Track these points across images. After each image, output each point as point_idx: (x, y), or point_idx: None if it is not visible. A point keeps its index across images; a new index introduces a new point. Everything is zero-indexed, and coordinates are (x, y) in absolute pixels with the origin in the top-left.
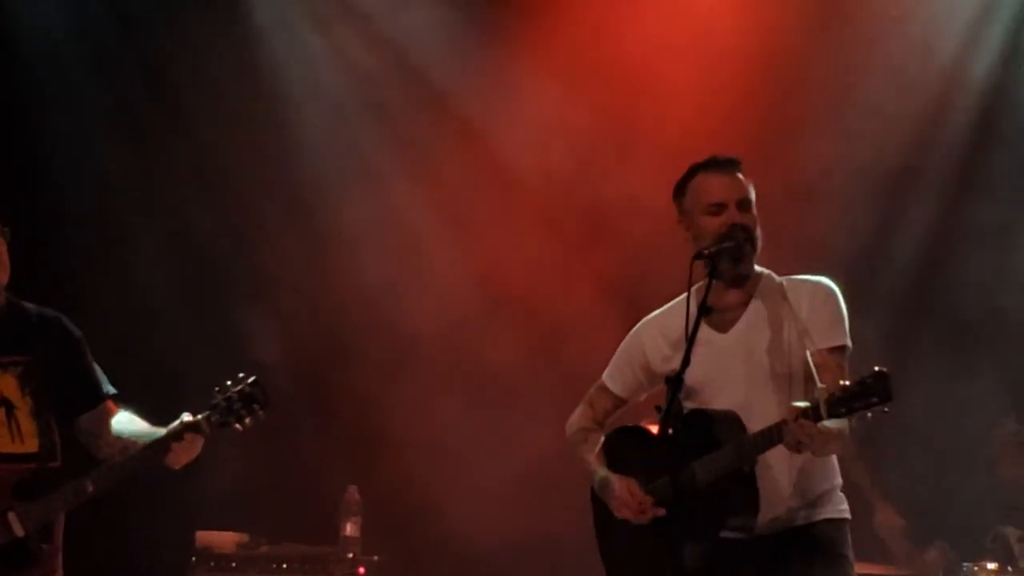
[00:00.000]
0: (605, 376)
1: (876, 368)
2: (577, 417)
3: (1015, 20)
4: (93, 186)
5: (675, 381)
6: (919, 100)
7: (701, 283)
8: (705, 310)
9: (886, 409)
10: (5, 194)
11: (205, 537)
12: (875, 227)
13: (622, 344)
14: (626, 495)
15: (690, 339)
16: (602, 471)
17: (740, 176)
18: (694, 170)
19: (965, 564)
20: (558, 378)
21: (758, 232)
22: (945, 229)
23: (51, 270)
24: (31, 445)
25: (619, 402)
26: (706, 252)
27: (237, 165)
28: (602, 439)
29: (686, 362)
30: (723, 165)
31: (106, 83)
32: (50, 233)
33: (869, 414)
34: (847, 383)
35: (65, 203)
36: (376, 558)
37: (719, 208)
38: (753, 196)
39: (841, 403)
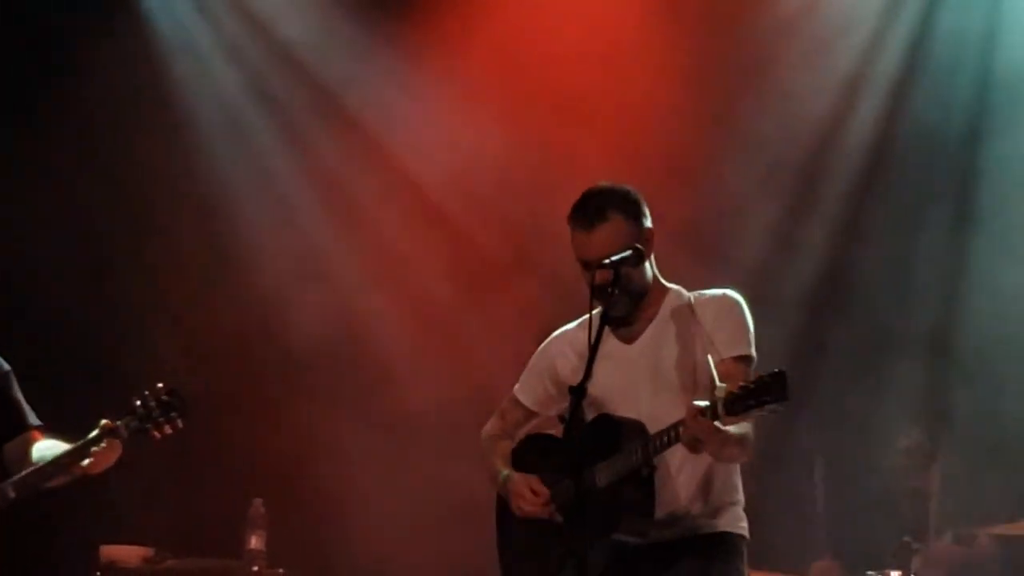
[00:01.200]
0: (516, 388)
1: (775, 368)
2: (489, 427)
3: (914, 27)
4: None
5: (578, 392)
6: (823, 105)
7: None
8: (608, 320)
9: (781, 408)
10: None
11: (109, 551)
12: (780, 239)
13: (533, 357)
14: (527, 491)
15: (592, 351)
16: (506, 470)
17: (600, 230)
18: (569, 218)
19: (869, 572)
20: (468, 391)
21: (633, 280)
22: (848, 241)
23: None
24: None
25: (530, 414)
26: (603, 264)
27: (137, 167)
28: (510, 445)
29: (588, 373)
30: (581, 222)
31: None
32: None
33: (765, 413)
34: (744, 383)
35: None
36: (281, 571)
37: (585, 267)
38: (619, 240)
39: (738, 400)
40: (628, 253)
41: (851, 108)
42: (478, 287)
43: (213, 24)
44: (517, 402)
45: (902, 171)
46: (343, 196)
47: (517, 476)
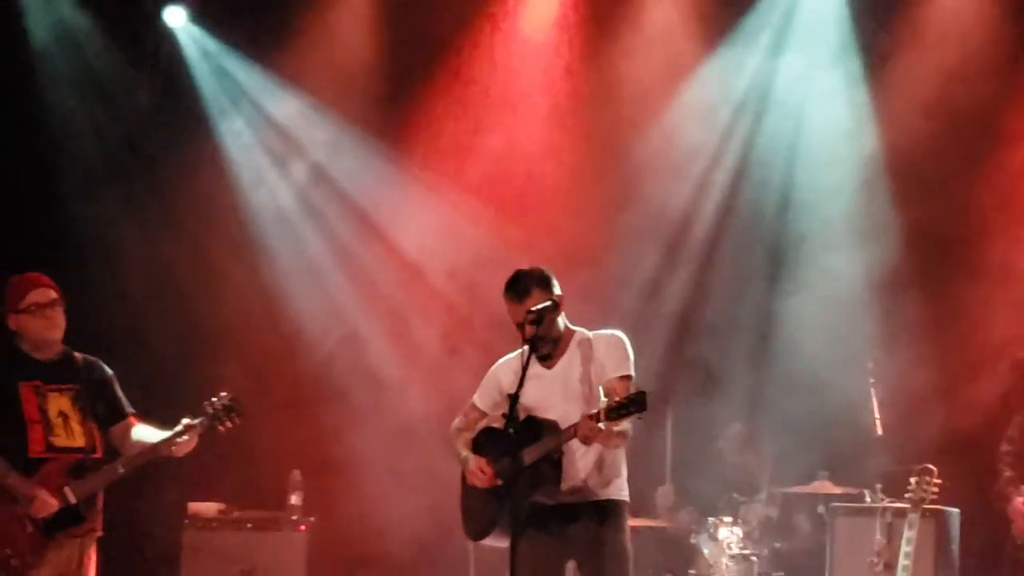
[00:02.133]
0: (475, 397)
1: (640, 389)
2: (456, 422)
3: (740, 151)
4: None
5: (513, 398)
6: (680, 202)
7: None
8: (531, 352)
9: (640, 417)
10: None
11: (194, 507)
12: (652, 291)
13: (485, 376)
14: (477, 469)
15: (523, 372)
16: (465, 452)
17: (523, 301)
18: (504, 291)
19: (710, 519)
20: (442, 405)
21: (550, 330)
22: (698, 288)
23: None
24: (80, 441)
25: (483, 415)
26: (531, 310)
27: (208, 234)
28: (470, 436)
29: (520, 385)
30: (513, 297)
31: (118, 177)
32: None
33: (637, 418)
34: (619, 398)
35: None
36: (312, 518)
37: (518, 326)
38: (537, 308)
39: (613, 411)
40: (545, 305)
41: (699, 204)
42: (454, 336)
43: (267, 148)
44: (475, 406)
45: (734, 243)
46: (360, 270)
47: (472, 458)
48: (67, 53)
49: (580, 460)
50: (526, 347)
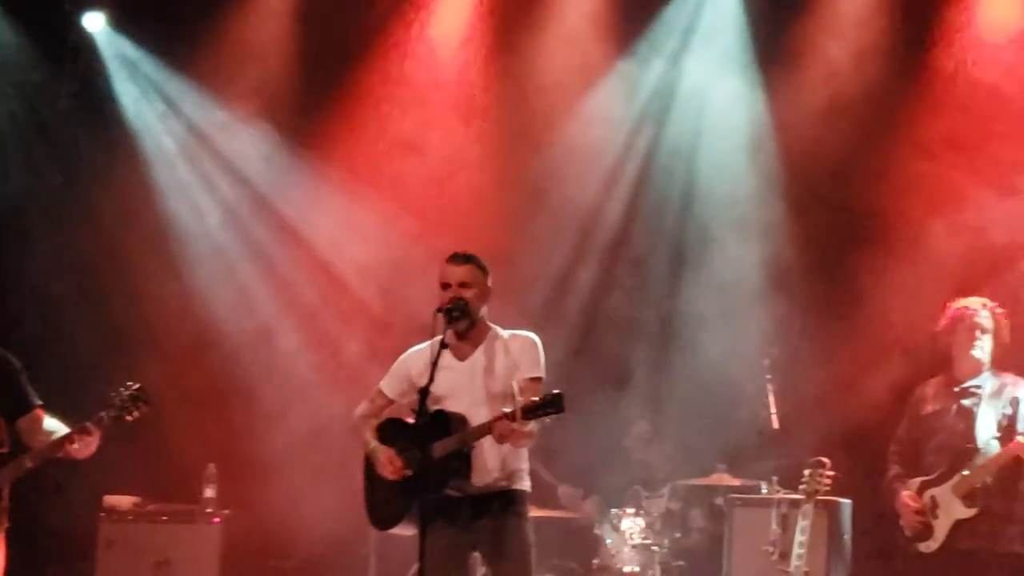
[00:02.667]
0: (383, 384)
1: (556, 390)
2: (361, 408)
3: (645, 150)
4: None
5: (423, 391)
6: (590, 198)
7: (449, 331)
8: (444, 345)
9: (558, 417)
10: None
11: (110, 499)
12: (558, 285)
13: (395, 364)
14: (387, 460)
15: (434, 363)
16: (373, 442)
17: (462, 267)
18: (443, 261)
19: (613, 510)
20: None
21: (475, 303)
22: (600, 290)
23: None
24: None
25: (390, 402)
26: (440, 308)
27: (127, 235)
28: (376, 423)
29: (430, 379)
30: (452, 259)
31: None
32: None
33: (548, 420)
34: (536, 398)
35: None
36: (226, 511)
37: (445, 287)
38: (471, 278)
39: (531, 411)
40: (480, 274)
41: (605, 205)
42: (367, 334)
43: (183, 149)
44: (382, 393)
45: (638, 242)
46: (275, 270)
47: (381, 449)
48: None
49: (489, 454)
50: (436, 341)
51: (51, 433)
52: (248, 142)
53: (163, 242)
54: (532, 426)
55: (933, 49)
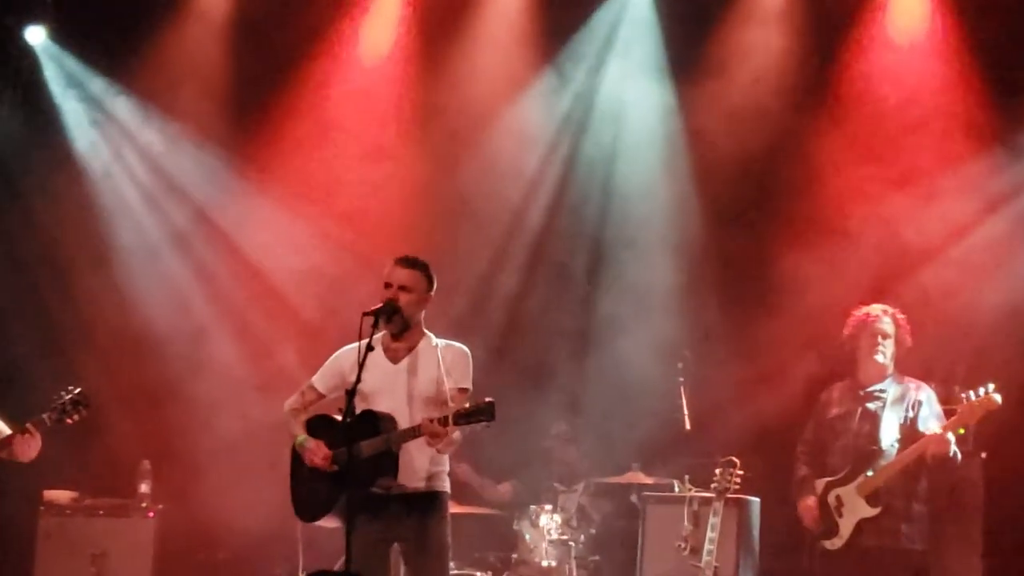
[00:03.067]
0: (315, 379)
1: (488, 399)
2: (291, 401)
3: (566, 156)
4: None
5: (351, 392)
6: (510, 207)
7: (384, 332)
8: (370, 348)
9: (489, 424)
10: None
11: (49, 494)
12: (484, 293)
13: (328, 361)
14: (316, 449)
15: (361, 364)
16: (302, 435)
17: (407, 270)
18: (395, 260)
19: (531, 506)
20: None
21: (410, 306)
22: (521, 295)
23: None
24: None
25: (320, 396)
26: (367, 312)
27: (64, 239)
28: (305, 417)
29: (357, 379)
30: (400, 262)
31: None
32: None
33: (480, 426)
34: (468, 404)
35: None
36: (160, 506)
37: (387, 287)
38: (413, 282)
39: (463, 416)
40: (424, 281)
41: (524, 215)
42: (304, 345)
43: (120, 157)
44: (313, 388)
45: (557, 248)
46: (208, 274)
47: (310, 441)
48: None
49: (415, 454)
50: (363, 343)
51: None
52: (185, 153)
53: (101, 250)
54: (457, 434)
55: (845, 56)
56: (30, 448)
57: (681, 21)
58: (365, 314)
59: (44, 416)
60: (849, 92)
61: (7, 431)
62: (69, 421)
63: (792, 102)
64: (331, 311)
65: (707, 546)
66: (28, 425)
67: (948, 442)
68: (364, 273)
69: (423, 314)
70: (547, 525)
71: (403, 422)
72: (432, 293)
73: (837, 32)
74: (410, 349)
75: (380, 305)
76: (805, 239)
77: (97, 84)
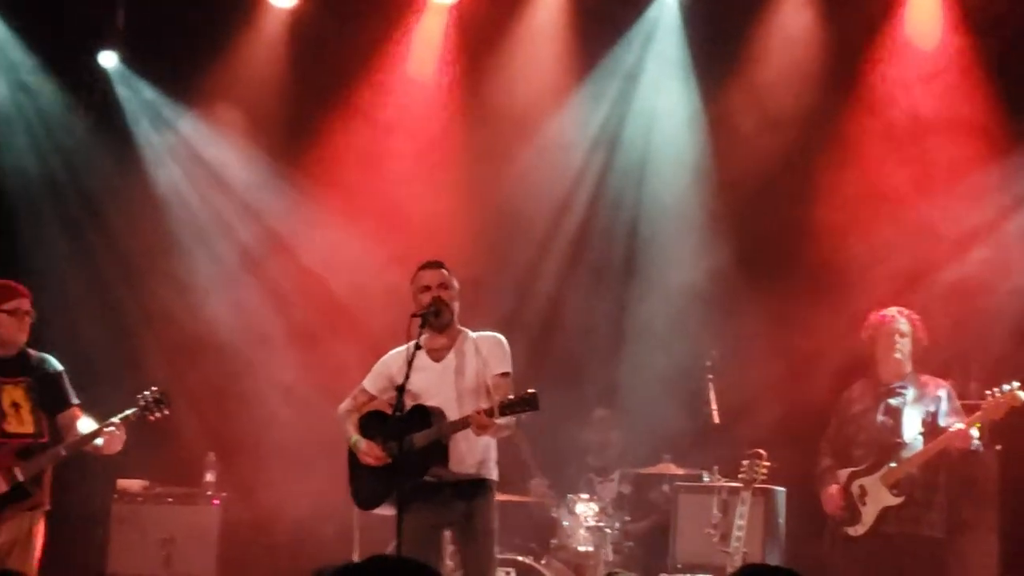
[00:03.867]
0: (365, 382)
1: (531, 390)
2: (345, 405)
3: (601, 163)
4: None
5: (401, 388)
6: (548, 214)
7: (427, 334)
8: (418, 347)
9: (532, 413)
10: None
11: (122, 483)
12: (515, 299)
13: (376, 365)
14: (369, 450)
15: (410, 363)
16: (355, 436)
17: (438, 271)
18: (418, 269)
19: (568, 495)
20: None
21: (452, 302)
22: (558, 299)
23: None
24: (29, 428)
25: (371, 398)
26: (417, 314)
27: (137, 249)
28: (358, 417)
29: (406, 378)
30: (430, 265)
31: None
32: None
33: (523, 416)
34: (513, 396)
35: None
36: (225, 493)
37: (426, 289)
38: (448, 281)
39: (508, 407)
40: (453, 278)
41: (562, 219)
42: (356, 345)
43: (188, 173)
44: (364, 390)
45: (593, 248)
46: (269, 280)
47: (363, 441)
48: (14, 92)
49: (464, 444)
50: (411, 344)
51: (83, 429)
52: (247, 166)
53: (169, 256)
54: (508, 420)
55: (871, 59)
56: (116, 443)
57: (710, 27)
58: (413, 316)
59: (129, 413)
60: (877, 94)
61: (94, 426)
62: (151, 418)
63: (814, 110)
64: (380, 314)
65: (735, 533)
66: (116, 420)
67: (971, 437)
68: (409, 278)
69: (456, 312)
70: (584, 512)
71: (452, 416)
72: (457, 288)
73: (861, 38)
74: (450, 347)
75: (427, 307)
76: (825, 244)
77: (166, 104)
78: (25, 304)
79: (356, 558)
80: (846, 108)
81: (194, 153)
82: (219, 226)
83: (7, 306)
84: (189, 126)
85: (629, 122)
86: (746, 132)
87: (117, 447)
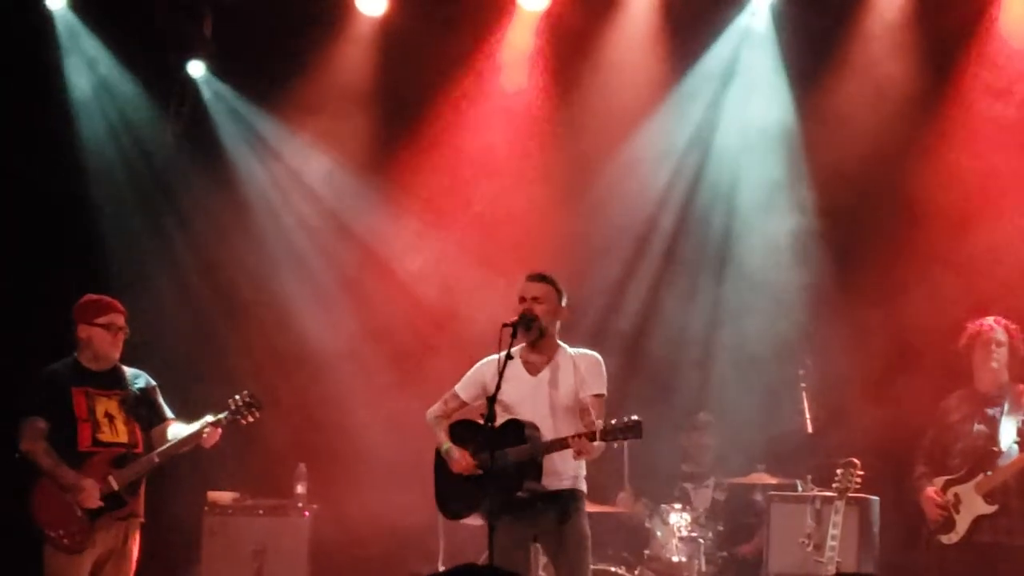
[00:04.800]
0: (457, 388)
1: (635, 417)
2: (434, 409)
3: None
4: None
5: (492, 399)
6: (643, 215)
7: (523, 346)
8: (509, 356)
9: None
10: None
11: (213, 495)
12: (608, 301)
13: (470, 371)
14: (461, 459)
15: (500, 373)
16: (447, 443)
17: (539, 284)
18: (527, 276)
19: (662, 505)
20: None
21: (545, 316)
22: (651, 306)
23: None
24: (123, 438)
25: (462, 405)
26: (506, 324)
27: (226, 260)
28: (448, 424)
29: (497, 387)
30: (530, 277)
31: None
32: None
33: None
34: (615, 421)
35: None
36: (315, 505)
37: (521, 300)
38: (544, 294)
39: (610, 434)
40: (554, 293)
41: (660, 213)
42: (447, 353)
43: (276, 182)
44: (456, 396)
45: (687, 252)
46: (365, 298)
47: (455, 449)
48: (104, 103)
49: (558, 461)
50: (503, 354)
51: (171, 438)
52: (333, 173)
53: (259, 266)
54: (601, 443)
55: (964, 67)
56: (213, 437)
57: (801, 39)
58: (504, 325)
59: (221, 416)
60: (969, 102)
61: (183, 434)
62: (243, 422)
63: (912, 113)
64: (471, 325)
65: (830, 543)
66: (207, 422)
67: None
68: (501, 288)
69: (557, 326)
70: (677, 523)
71: (545, 431)
72: (564, 305)
73: (955, 43)
74: (547, 361)
75: (517, 317)
76: (923, 250)
77: (254, 113)
78: (119, 320)
79: (440, 568)
80: (943, 110)
81: (281, 162)
82: (308, 237)
83: (102, 320)
84: (277, 135)
85: (721, 126)
86: (840, 136)
87: (213, 440)
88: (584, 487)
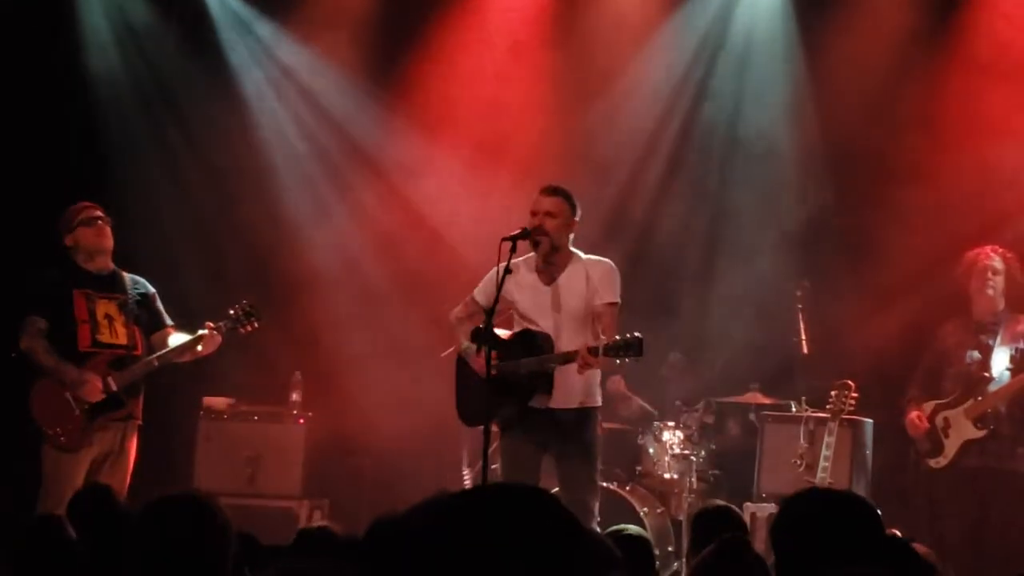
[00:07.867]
0: (476, 291)
1: (636, 334)
2: (456, 311)
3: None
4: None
5: (489, 311)
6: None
7: (534, 256)
8: (508, 271)
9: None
10: (85, 196)
11: (208, 400)
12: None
13: (486, 277)
14: (479, 359)
15: (499, 287)
16: (467, 343)
17: (550, 198)
18: (540, 189)
19: (655, 423)
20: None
21: (555, 232)
22: (652, 222)
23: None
24: (122, 340)
25: (480, 308)
26: (505, 237)
27: (229, 169)
28: (470, 327)
29: (496, 300)
30: (544, 191)
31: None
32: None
33: (627, 359)
34: (619, 337)
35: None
36: (310, 413)
37: (533, 215)
38: (557, 209)
39: (611, 349)
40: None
41: (663, 129)
42: (445, 264)
43: (280, 93)
44: (475, 300)
45: (684, 181)
46: (365, 211)
47: (473, 346)
48: (109, 14)
49: (570, 375)
50: (501, 266)
51: (173, 344)
52: (336, 82)
53: (261, 181)
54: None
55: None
56: (212, 343)
57: None
58: (503, 239)
59: (220, 324)
60: (978, 35)
61: (187, 337)
62: (242, 331)
63: (919, 45)
64: (468, 231)
65: (822, 463)
66: (206, 331)
67: None
68: (499, 196)
69: (571, 238)
70: (670, 440)
71: (558, 341)
72: (577, 218)
73: None
74: (561, 270)
75: (516, 232)
76: (916, 178)
77: (258, 23)
78: (94, 211)
79: (465, 469)
80: (952, 43)
81: (286, 72)
82: (309, 147)
83: (77, 219)
84: (282, 46)
85: (724, 51)
86: (846, 66)
87: (213, 348)
88: (598, 401)
